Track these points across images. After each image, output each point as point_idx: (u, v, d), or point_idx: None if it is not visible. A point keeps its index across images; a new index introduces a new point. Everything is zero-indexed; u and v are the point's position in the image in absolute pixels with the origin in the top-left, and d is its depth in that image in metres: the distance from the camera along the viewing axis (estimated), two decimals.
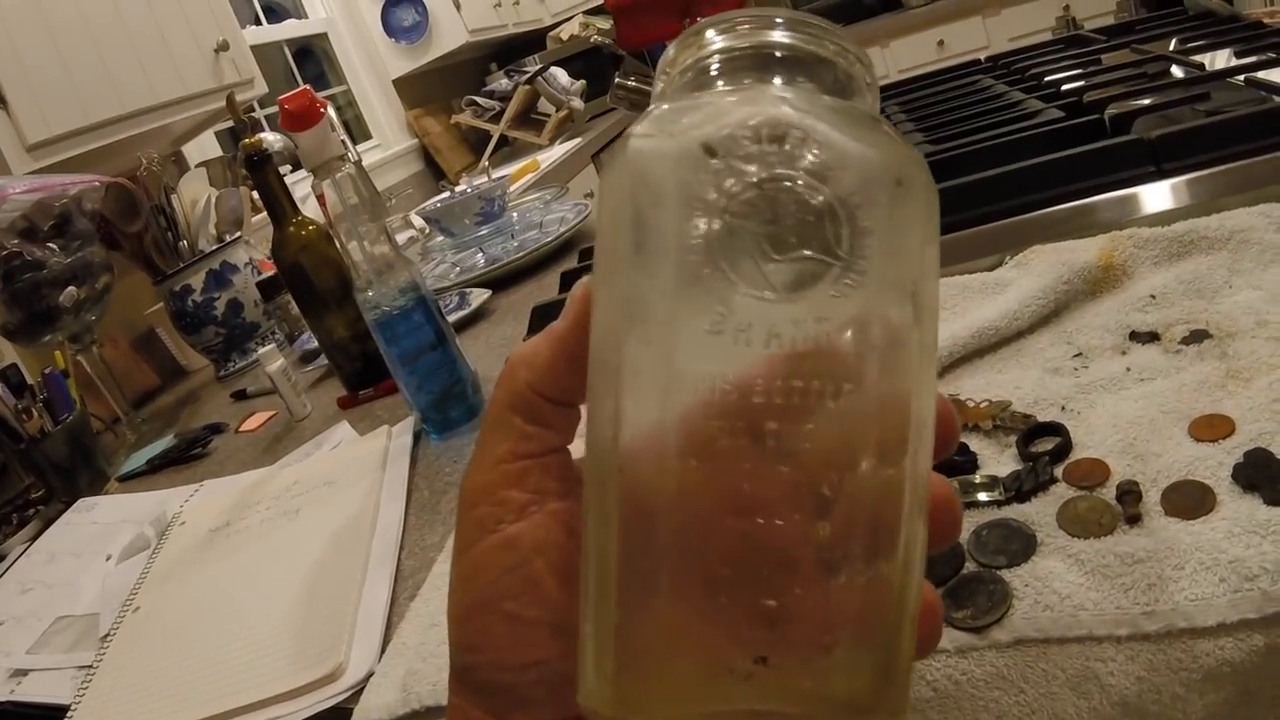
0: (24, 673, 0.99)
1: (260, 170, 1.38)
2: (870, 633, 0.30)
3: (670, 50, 0.38)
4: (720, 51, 0.36)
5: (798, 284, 0.30)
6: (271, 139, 2.17)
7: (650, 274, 0.31)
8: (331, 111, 1.08)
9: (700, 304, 0.30)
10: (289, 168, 3.05)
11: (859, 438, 0.30)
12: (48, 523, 1.43)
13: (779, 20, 0.36)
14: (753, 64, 0.36)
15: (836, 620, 0.30)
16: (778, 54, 0.36)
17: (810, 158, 0.31)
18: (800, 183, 0.31)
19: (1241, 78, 1.20)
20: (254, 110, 3.26)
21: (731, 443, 0.30)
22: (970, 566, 0.57)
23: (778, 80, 0.36)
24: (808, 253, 0.31)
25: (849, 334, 0.30)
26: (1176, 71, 1.35)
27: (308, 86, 1.13)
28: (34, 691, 0.96)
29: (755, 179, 0.31)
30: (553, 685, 0.38)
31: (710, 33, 0.37)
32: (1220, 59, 1.36)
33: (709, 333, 0.30)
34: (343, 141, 2.35)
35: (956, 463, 0.66)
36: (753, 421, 0.30)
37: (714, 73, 0.36)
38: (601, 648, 0.32)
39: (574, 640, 0.34)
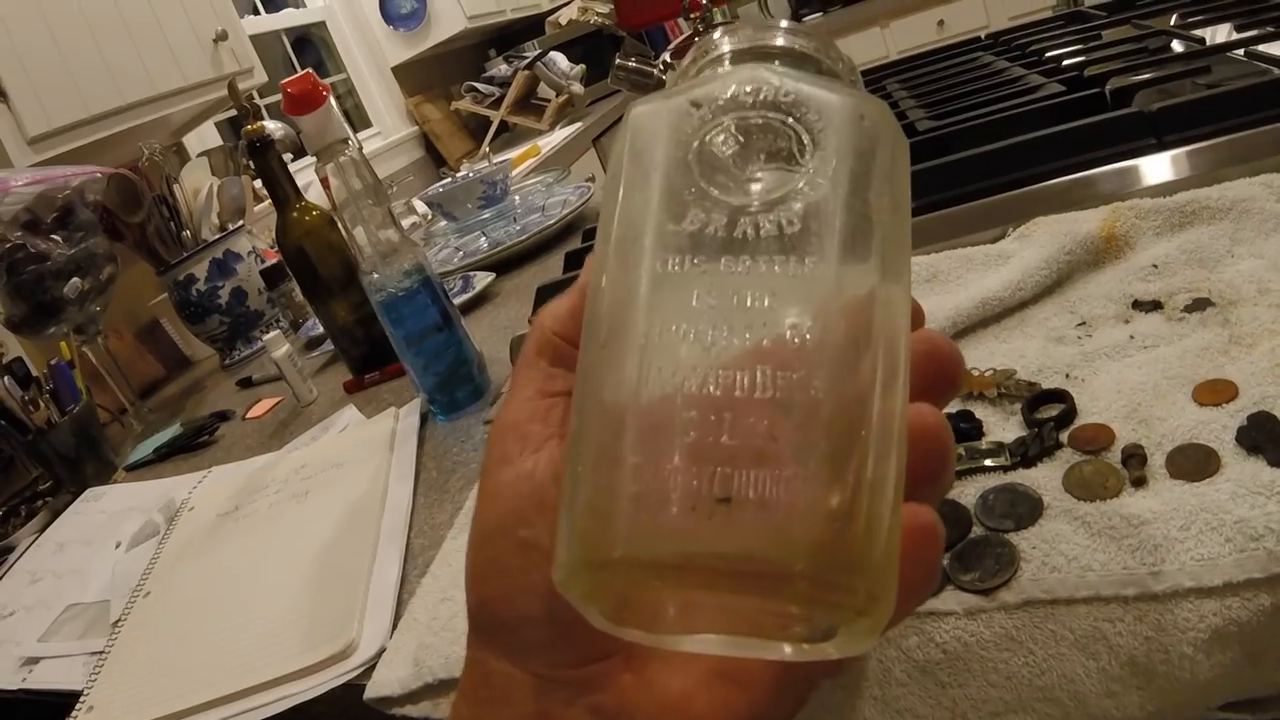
0: (35, 661, 1.00)
1: (262, 156, 1.38)
2: (831, 484, 0.31)
3: (685, 61, 0.44)
4: (721, 53, 0.42)
5: (765, 191, 0.35)
6: (272, 127, 2.17)
7: (640, 199, 0.36)
8: (332, 99, 1.09)
9: (681, 211, 0.35)
10: (290, 156, 3.05)
11: (820, 310, 0.32)
12: (56, 513, 1.43)
13: (772, 28, 0.42)
14: (746, 59, 0.41)
15: (797, 462, 0.31)
16: (766, 50, 0.41)
17: (782, 99, 0.36)
18: (771, 115, 0.36)
19: (1241, 51, 1.19)
20: (254, 98, 3.25)
21: (702, 305, 0.33)
22: (977, 530, 0.57)
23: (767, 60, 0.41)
24: (775, 166, 0.35)
25: (809, 229, 0.34)
26: (1177, 46, 1.35)
27: (310, 70, 1.13)
28: (46, 679, 0.96)
29: (732, 115, 0.36)
30: (562, 625, 0.38)
31: (715, 38, 0.42)
32: (1221, 33, 1.36)
33: (688, 232, 0.34)
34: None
35: (962, 430, 0.66)
36: (721, 292, 0.33)
37: (714, 65, 0.42)
38: (571, 512, 0.33)
39: None
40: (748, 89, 0.37)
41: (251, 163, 1.48)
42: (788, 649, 0.33)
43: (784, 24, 0.43)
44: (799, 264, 0.33)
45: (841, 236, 0.34)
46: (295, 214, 1.40)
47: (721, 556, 0.30)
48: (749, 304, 0.33)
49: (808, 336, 0.32)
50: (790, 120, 0.36)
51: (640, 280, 0.34)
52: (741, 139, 0.36)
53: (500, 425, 0.42)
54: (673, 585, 0.32)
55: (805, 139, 0.35)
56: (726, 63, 0.41)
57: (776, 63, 0.40)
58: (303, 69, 4.35)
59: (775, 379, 0.31)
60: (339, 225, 1.10)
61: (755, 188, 0.35)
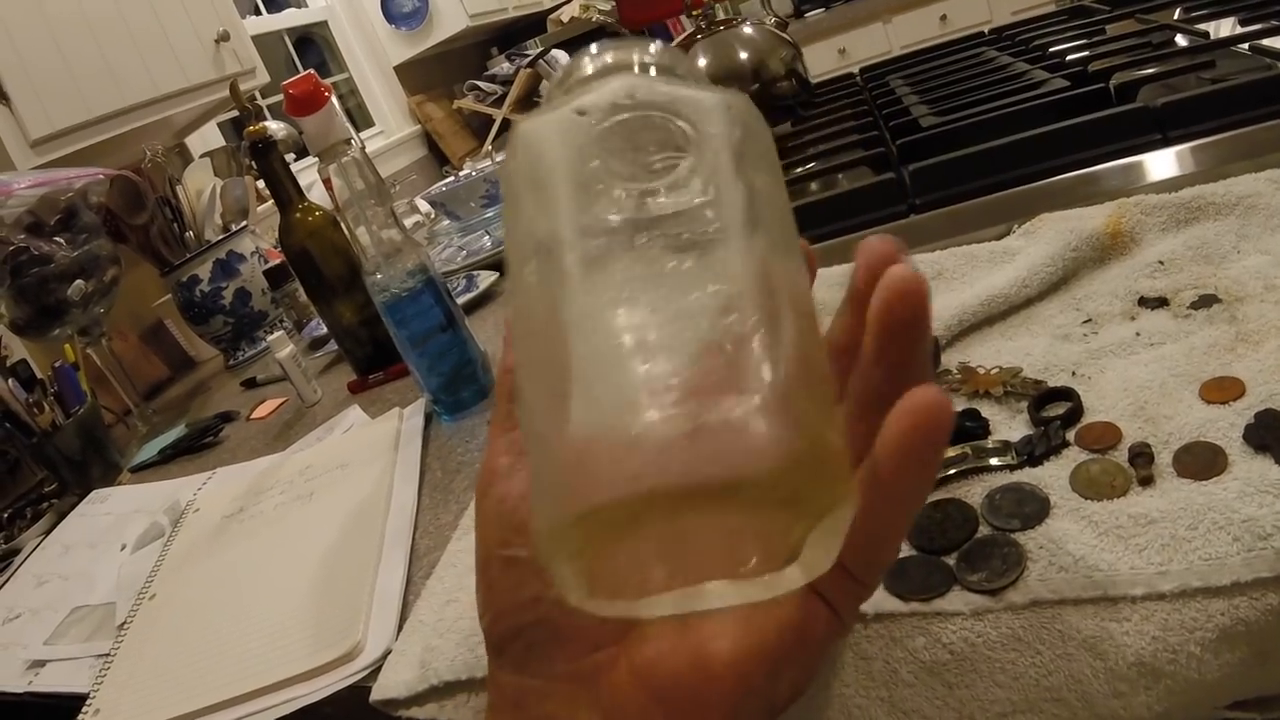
0: (42, 663, 0.99)
1: (265, 157, 1.38)
2: (765, 398, 0.32)
3: (550, 85, 0.46)
4: (586, 74, 0.44)
5: (664, 174, 0.38)
6: (275, 128, 2.17)
7: (547, 204, 0.38)
8: (335, 99, 1.09)
9: (589, 202, 0.37)
10: (293, 156, 3.05)
11: (733, 261, 0.36)
12: (62, 515, 1.43)
13: (627, 48, 0.45)
14: (611, 75, 0.44)
15: (733, 389, 0.32)
16: (626, 66, 0.44)
17: (658, 100, 0.40)
18: (653, 113, 0.39)
19: (1246, 45, 1.19)
20: (256, 99, 3.25)
21: (629, 276, 0.36)
22: (984, 530, 0.57)
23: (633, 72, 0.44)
24: (666, 154, 0.38)
25: (713, 200, 0.37)
26: (1181, 40, 1.35)
27: (312, 71, 1.13)
28: (53, 682, 0.96)
29: (618, 117, 0.39)
30: (553, 625, 0.42)
31: (579, 63, 0.45)
32: (1225, 27, 1.35)
33: (602, 219, 0.37)
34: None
35: (968, 429, 0.66)
36: (646, 263, 0.36)
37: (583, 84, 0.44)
38: (538, 481, 0.35)
39: None
40: (626, 93, 0.40)
41: (254, 164, 1.47)
42: (756, 588, 0.35)
43: (639, 43, 0.46)
44: (707, 228, 0.36)
45: (739, 202, 0.37)
46: (298, 215, 1.39)
47: (681, 486, 0.31)
48: (669, 267, 0.35)
49: (725, 286, 0.35)
50: (670, 115, 0.39)
51: (567, 269, 0.36)
52: (631, 135, 0.39)
53: (480, 471, 0.46)
54: (642, 524, 0.33)
55: (687, 129, 0.39)
56: (593, 81, 0.43)
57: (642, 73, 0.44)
58: (305, 69, 4.35)
59: (702, 325, 0.34)
60: (342, 226, 1.09)
61: (655, 173, 0.38)
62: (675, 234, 0.36)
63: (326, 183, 1.05)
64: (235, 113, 3.10)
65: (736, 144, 0.39)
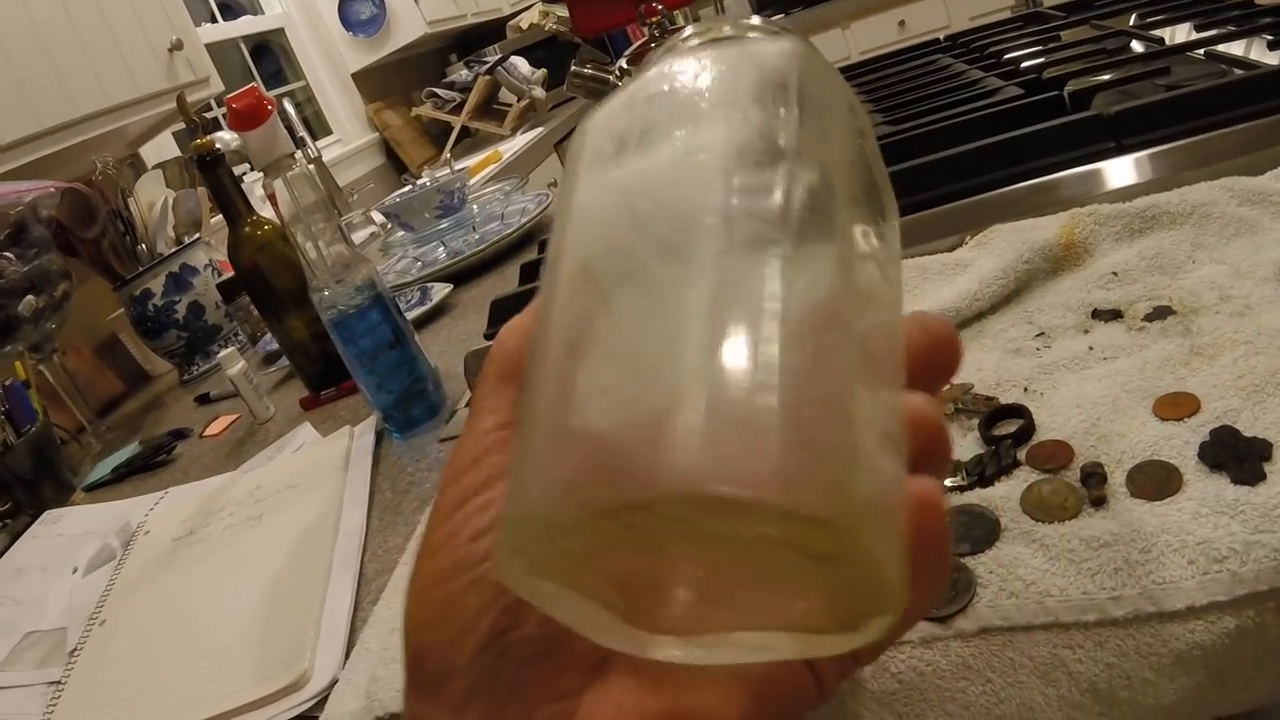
0: None
1: (213, 171, 1.36)
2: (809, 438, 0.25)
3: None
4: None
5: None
6: (228, 138, 2.15)
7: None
8: (291, 108, 1.07)
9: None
10: (248, 166, 3.03)
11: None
12: (15, 536, 1.41)
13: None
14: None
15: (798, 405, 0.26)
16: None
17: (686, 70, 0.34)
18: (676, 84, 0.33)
19: (1201, 51, 1.19)
20: (211, 109, 3.22)
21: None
22: None
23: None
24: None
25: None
26: (1136, 46, 1.35)
27: (254, 84, 1.11)
28: (4, 710, 0.95)
29: (647, 92, 0.34)
30: (517, 666, 0.34)
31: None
32: (1180, 33, 1.36)
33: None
34: (301, 138, 2.33)
35: None
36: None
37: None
38: (523, 470, 0.29)
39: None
40: (664, 66, 0.35)
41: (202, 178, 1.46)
42: (812, 644, 0.29)
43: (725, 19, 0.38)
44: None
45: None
46: (248, 229, 1.38)
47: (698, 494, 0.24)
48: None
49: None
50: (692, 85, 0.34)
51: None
52: (665, 111, 0.33)
53: (459, 461, 0.37)
54: (645, 538, 0.27)
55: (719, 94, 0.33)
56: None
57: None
58: (262, 77, 4.32)
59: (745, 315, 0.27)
60: (291, 240, 1.08)
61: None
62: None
63: (271, 198, 1.03)
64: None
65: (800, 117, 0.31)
